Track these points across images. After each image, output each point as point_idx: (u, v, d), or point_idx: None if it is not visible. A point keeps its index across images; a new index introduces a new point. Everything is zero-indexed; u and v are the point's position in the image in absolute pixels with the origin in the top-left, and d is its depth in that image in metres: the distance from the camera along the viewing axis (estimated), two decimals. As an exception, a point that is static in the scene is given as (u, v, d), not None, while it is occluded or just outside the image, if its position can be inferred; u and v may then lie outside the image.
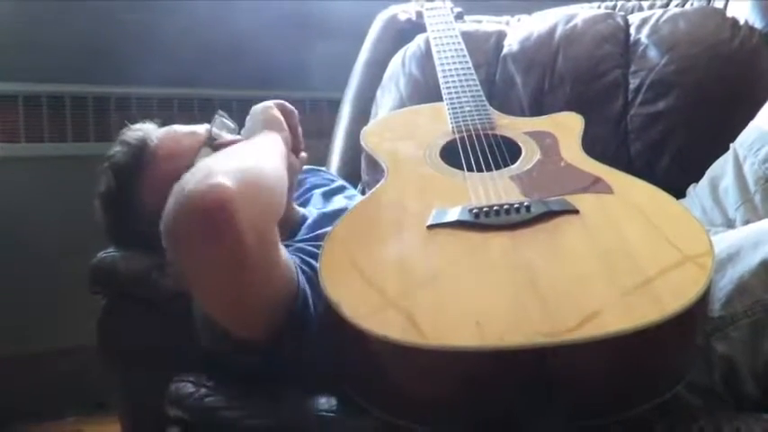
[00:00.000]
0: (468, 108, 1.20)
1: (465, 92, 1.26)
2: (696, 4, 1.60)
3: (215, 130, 1.09)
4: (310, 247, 1.03)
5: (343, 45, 1.80)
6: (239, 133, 1.12)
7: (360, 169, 1.54)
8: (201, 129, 1.11)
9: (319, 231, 1.09)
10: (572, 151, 1.06)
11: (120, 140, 1.12)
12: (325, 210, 1.17)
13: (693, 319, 0.73)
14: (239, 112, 2.30)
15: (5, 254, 1.95)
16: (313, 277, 0.90)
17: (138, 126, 1.14)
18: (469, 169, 1.01)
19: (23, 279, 1.96)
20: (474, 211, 0.87)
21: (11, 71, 1.98)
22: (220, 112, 1.13)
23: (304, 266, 0.98)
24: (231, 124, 1.13)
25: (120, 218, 1.11)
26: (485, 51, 1.56)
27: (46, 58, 1.98)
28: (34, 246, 1.94)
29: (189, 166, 1.04)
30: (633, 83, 1.45)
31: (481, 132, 1.12)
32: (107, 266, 1.12)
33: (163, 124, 1.15)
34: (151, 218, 1.05)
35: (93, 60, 2.01)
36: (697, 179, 1.25)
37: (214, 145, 1.06)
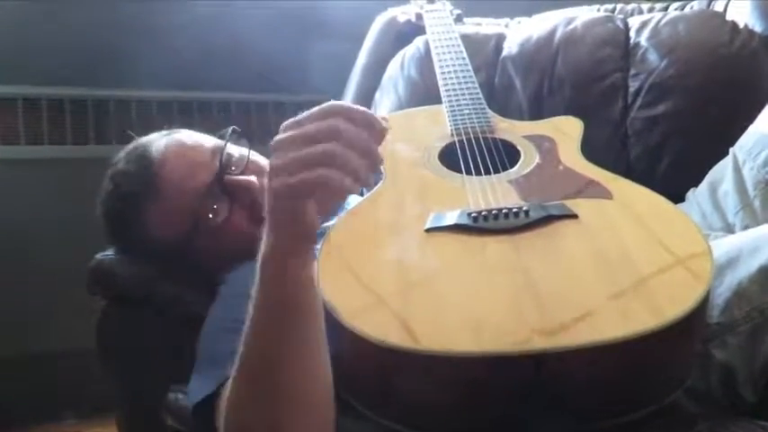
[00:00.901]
0: (467, 111, 1.20)
1: (464, 94, 1.25)
2: (696, 8, 1.60)
3: (227, 155, 1.05)
4: None
5: (343, 47, 1.80)
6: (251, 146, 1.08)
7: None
8: (212, 154, 1.06)
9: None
10: (571, 155, 1.06)
11: (126, 162, 1.08)
12: None
13: (692, 325, 0.73)
14: (238, 115, 2.31)
15: (5, 256, 1.95)
16: None
17: (143, 142, 1.10)
18: (468, 173, 1.01)
19: (23, 281, 1.96)
20: (473, 214, 0.86)
21: (11, 74, 1.98)
22: (235, 128, 1.08)
23: None
24: (244, 147, 1.09)
25: (123, 236, 1.11)
26: (484, 54, 1.56)
27: (46, 61, 1.98)
28: (34, 248, 1.95)
29: (198, 201, 1.02)
30: (633, 86, 1.45)
31: (480, 135, 1.11)
32: (105, 269, 1.12)
33: (162, 128, 1.14)
34: (156, 239, 1.05)
35: (93, 63, 2.02)
36: (696, 183, 1.24)
37: (224, 183, 1.03)
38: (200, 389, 0.84)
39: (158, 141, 1.08)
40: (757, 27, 1.45)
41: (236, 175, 1.04)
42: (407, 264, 0.83)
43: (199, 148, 1.07)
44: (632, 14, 1.63)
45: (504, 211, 0.86)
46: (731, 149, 1.20)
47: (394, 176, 1.05)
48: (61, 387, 1.96)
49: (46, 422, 1.98)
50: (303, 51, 2.11)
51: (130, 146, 1.11)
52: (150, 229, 1.05)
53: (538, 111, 1.46)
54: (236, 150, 1.07)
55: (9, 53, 1.95)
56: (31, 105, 2.03)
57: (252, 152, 1.08)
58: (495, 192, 0.94)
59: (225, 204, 1.03)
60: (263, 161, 1.10)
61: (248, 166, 1.05)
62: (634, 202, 0.90)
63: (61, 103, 2.06)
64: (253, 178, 1.04)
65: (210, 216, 1.02)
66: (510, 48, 1.56)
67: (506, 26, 1.70)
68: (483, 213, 0.86)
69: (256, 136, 2.23)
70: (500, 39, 1.60)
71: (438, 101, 1.27)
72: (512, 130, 1.17)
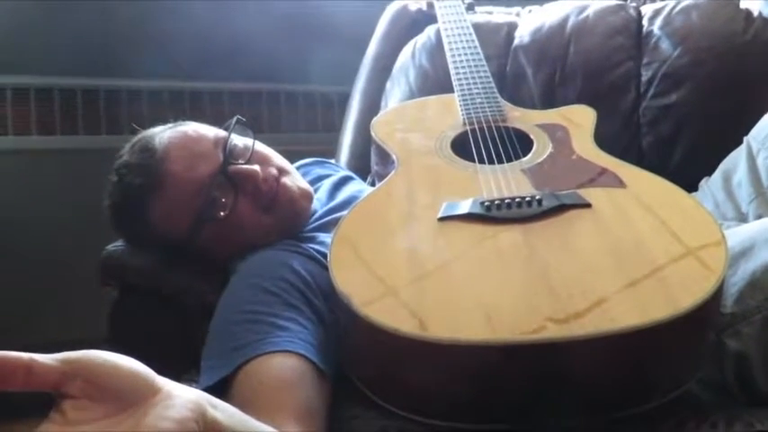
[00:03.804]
0: (479, 100, 1.20)
1: (476, 83, 1.25)
2: (709, -5, 1.59)
3: (231, 145, 1.04)
4: (322, 236, 1.04)
5: (354, 38, 1.79)
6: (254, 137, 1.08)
7: (369, 162, 1.54)
8: (215, 145, 1.05)
9: (330, 218, 1.10)
10: (584, 144, 1.06)
11: (130, 154, 1.07)
12: (332, 203, 1.17)
13: (706, 315, 0.73)
14: (249, 105, 2.30)
15: (17, 246, 1.96)
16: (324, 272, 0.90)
17: (147, 134, 1.09)
18: (481, 161, 1.01)
19: (35, 271, 1.97)
20: (485, 203, 0.86)
21: (23, 64, 1.99)
22: (239, 118, 1.08)
23: (317, 255, 0.98)
24: (249, 137, 1.09)
25: (129, 228, 1.11)
26: (495, 43, 1.55)
27: (58, 52, 1.99)
28: (45, 238, 1.95)
29: (202, 192, 1.01)
30: (645, 75, 1.44)
31: (492, 124, 1.11)
32: (116, 260, 1.12)
33: (174, 117, 1.14)
34: (162, 231, 1.05)
35: (105, 54, 2.02)
36: (709, 173, 1.24)
37: (228, 173, 1.02)
38: (212, 374, 0.84)
39: (162, 133, 1.08)
40: (771, 15, 1.44)
41: (241, 164, 1.04)
42: (420, 253, 0.83)
43: (202, 140, 1.06)
44: (645, 2, 1.62)
45: (517, 200, 0.86)
46: (745, 138, 1.19)
47: (406, 165, 1.05)
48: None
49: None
50: (313, 42, 2.11)
51: (135, 138, 1.11)
52: (155, 220, 1.05)
53: (550, 100, 1.45)
54: (240, 141, 1.06)
55: (21, 44, 1.95)
56: (43, 96, 2.03)
57: (256, 142, 1.08)
58: (509, 181, 0.94)
59: (229, 194, 1.02)
60: (267, 150, 1.10)
61: (253, 156, 1.05)
62: (648, 191, 0.90)
63: (73, 93, 2.07)
64: (256, 167, 1.04)
65: (215, 206, 1.02)
66: (521, 37, 1.56)
67: (518, 15, 1.69)
68: (496, 202, 0.86)
69: (267, 126, 2.24)
70: (511, 28, 1.59)
71: (449, 90, 1.27)
72: (524, 118, 1.17)
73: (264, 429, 0.65)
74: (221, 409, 0.56)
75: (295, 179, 1.09)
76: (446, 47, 1.40)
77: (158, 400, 0.51)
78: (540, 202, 0.85)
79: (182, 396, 0.52)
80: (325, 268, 0.86)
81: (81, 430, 0.48)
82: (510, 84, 1.51)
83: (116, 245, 1.14)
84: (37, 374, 0.48)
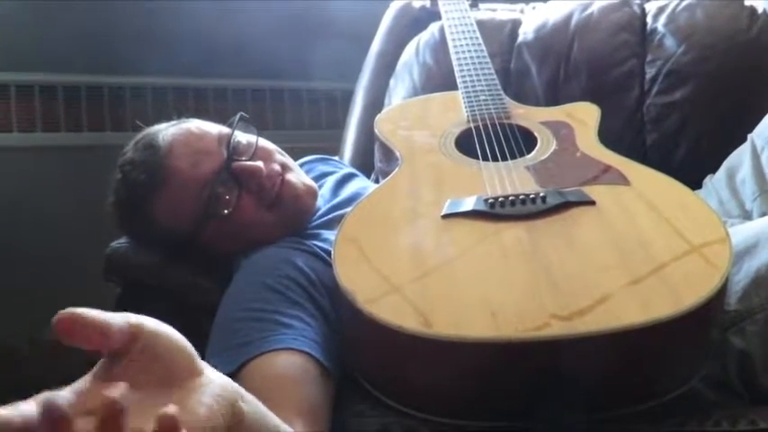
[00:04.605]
0: (483, 97, 1.20)
1: (480, 80, 1.25)
2: (713, -8, 1.58)
3: (234, 142, 1.04)
4: (325, 233, 1.04)
5: (346, 36, 1.79)
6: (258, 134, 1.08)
7: (373, 159, 1.53)
8: (219, 142, 1.05)
9: (333, 215, 1.09)
10: (588, 142, 1.06)
11: (133, 151, 1.07)
12: (336, 200, 1.17)
13: (710, 313, 0.73)
14: (253, 102, 2.30)
15: (21, 242, 1.96)
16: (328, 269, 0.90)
17: (151, 131, 1.09)
18: (485, 159, 1.01)
19: (39, 268, 1.97)
20: (489, 201, 0.86)
21: (27, 61, 1.99)
22: (243, 115, 1.09)
23: (321, 252, 0.98)
24: (252, 133, 1.08)
25: (133, 225, 1.11)
26: (499, 40, 1.55)
27: (62, 49, 1.99)
28: (49, 234, 1.95)
29: (206, 189, 1.01)
30: (649, 72, 1.44)
31: (496, 122, 1.11)
32: (120, 256, 1.12)
33: (177, 114, 1.14)
34: (165, 228, 1.05)
35: (109, 51, 2.02)
36: (714, 170, 1.24)
37: (232, 170, 1.02)
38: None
39: (166, 130, 1.08)
40: (776, 12, 1.44)
41: (245, 161, 1.04)
42: (424, 250, 0.83)
43: (205, 137, 1.06)
44: (649, -1, 1.62)
45: (521, 197, 0.86)
46: (749, 136, 1.18)
47: (410, 163, 1.05)
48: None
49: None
50: (317, 39, 2.11)
51: (139, 135, 1.11)
52: (159, 217, 1.05)
53: (554, 97, 1.45)
54: (244, 137, 1.06)
55: (25, 41, 1.95)
56: (47, 93, 2.03)
57: (260, 138, 1.08)
58: (512, 178, 0.94)
59: (233, 191, 1.02)
60: (271, 147, 1.10)
61: (257, 153, 1.05)
62: (652, 188, 0.90)
63: (77, 90, 2.07)
64: (260, 164, 1.04)
65: (219, 204, 1.02)
66: (525, 34, 1.55)
67: (522, 12, 1.69)
68: (500, 199, 0.86)
69: (271, 123, 2.24)
70: (515, 24, 1.59)
71: (453, 87, 1.27)
72: (528, 116, 1.17)
73: (281, 428, 0.65)
74: (247, 401, 0.56)
75: (299, 176, 1.09)
76: (450, 44, 1.40)
77: (198, 385, 0.50)
78: (543, 199, 0.85)
79: (219, 384, 0.52)
80: (329, 265, 0.86)
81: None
82: (514, 81, 1.50)
83: (120, 242, 1.15)
84: (112, 338, 0.46)
